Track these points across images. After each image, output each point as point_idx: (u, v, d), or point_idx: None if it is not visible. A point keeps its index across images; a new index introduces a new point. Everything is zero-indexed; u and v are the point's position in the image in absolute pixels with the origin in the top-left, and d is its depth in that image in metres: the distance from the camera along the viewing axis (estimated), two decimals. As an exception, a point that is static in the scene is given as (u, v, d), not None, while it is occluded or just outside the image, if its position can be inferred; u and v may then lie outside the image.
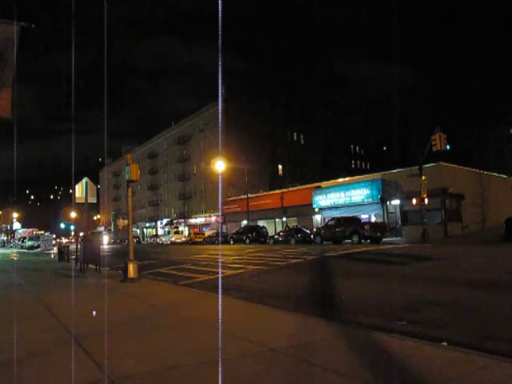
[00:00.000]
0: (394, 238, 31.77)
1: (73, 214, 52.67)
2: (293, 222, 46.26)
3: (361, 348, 4.70)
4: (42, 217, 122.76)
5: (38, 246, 55.50)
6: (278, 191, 51.43)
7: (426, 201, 29.17)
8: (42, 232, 68.44)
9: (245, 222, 49.83)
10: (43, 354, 4.85)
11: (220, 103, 55.41)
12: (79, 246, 18.29)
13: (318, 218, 43.25)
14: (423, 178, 28.76)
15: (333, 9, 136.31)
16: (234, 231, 46.83)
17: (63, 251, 23.46)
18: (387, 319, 6.28)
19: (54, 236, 59.30)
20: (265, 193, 54.45)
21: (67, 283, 12.31)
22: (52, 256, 31.40)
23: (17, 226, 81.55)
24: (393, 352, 4.45)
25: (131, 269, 11.93)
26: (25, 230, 76.27)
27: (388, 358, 4.29)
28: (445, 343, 4.81)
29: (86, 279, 13.38)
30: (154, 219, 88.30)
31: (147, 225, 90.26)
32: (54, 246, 45.26)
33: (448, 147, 28.21)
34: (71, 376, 3.84)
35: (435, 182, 31.59)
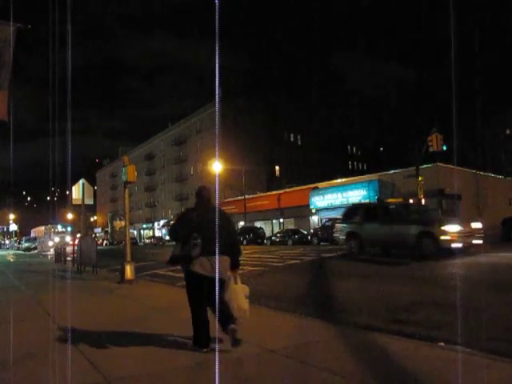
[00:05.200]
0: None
1: (69, 216, 52.57)
2: (290, 223, 46.29)
3: (358, 349, 4.70)
4: (39, 218, 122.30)
5: (35, 248, 55.32)
6: (274, 192, 51.42)
7: (423, 201, 29.20)
8: (63, 229, 65.84)
9: (242, 223, 49.80)
10: (40, 355, 4.84)
11: (217, 104, 55.32)
12: (76, 248, 18.25)
13: (315, 218, 43.25)
14: (420, 178, 28.77)
15: (331, 7, 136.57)
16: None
17: (60, 252, 23.39)
18: (384, 320, 6.29)
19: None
20: (262, 194, 54.43)
21: (64, 285, 12.28)
22: (49, 257, 31.31)
23: (13, 227, 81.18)
24: (390, 353, 4.45)
25: (128, 270, 11.91)
26: (41, 227, 73.75)
27: (385, 359, 4.29)
28: (442, 343, 4.82)
29: (83, 281, 13.34)
30: (151, 220, 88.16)
31: (144, 226, 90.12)
32: (51, 247, 45.12)
33: (444, 148, 28.25)
34: (68, 377, 3.83)
35: (432, 182, 31.63)
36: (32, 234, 76.76)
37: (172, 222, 5.02)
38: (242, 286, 4.92)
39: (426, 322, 6.12)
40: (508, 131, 61.24)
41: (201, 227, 4.69)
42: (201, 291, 4.74)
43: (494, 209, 37.02)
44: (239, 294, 4.84)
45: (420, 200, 28.46)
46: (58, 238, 54.75)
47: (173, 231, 5.04)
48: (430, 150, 27.91)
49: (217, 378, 3.61)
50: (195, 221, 4.76)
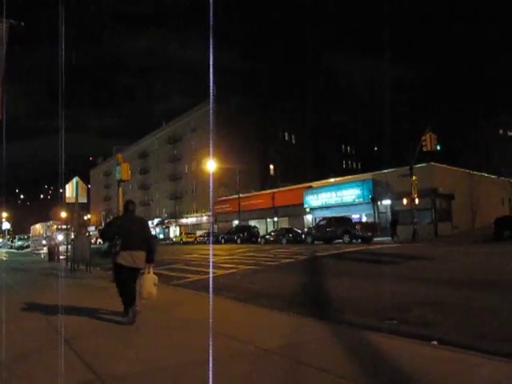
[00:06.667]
0: (384, 238, 31.92)
1: (63, 214, 51.95)
2: (284, 222, 46.33)
3: (352, 347, 4.71)
4: (32, 216, 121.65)
5: (28, 246, 55.01)
6: (269, 191, 51.39)
7: (417, 201, 29.31)
8: (66, 226, 62.07)
9: (236, 222, 49.76)
10: (33, 354, 4.81)
11: (211, 103, 55.30)
12: (69, 246, 18.18)
13: (309, 217, 43.29)
14: (414, 178, 28.88)
15: (326, 6, 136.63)
16: (225, 231, 46.76)
17: (53, 251, 23.30)
18: (378, 319, 6.31)
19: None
20: (256, 193, 54.38)
21: (57, 284, 12.23)
22: (42, 256, 31.19)
23: (6, 225, 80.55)
24: (383, 351, 4.47)
25: (122, 269, 11.84)
26: (40, 224, 70.75)
27: (379, 357, 4.30)
28: (435, 342, 4.84)
29: (76, 279, 13.29)
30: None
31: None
32: (44, 246, 44.83)
33: (438, 147, 28.37)
34: (61, 377, 3.81)
35: (426, 182, 31.73)
36: (31, 232, 74.69)
37: (102, 227, 6.74)
38: (152, 276, 6.48)
39: (419, 320, 6.14)
40: (501, 131, 61.53)
41: (124, 230, 6.32)
42: (123, 276, 6.33)
43: (486, 208, 37.22)
44: (149, 281, 6.41)
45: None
46: (61, 235, 52.05)
47: (102, 233, 6.95)
48: (424, 149, 28.03)
49: (210, 376, 3.61)
50: (119, 226, 6.48)
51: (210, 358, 4.00)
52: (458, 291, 8.40)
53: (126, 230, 6.34)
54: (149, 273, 6.44)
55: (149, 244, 6.55)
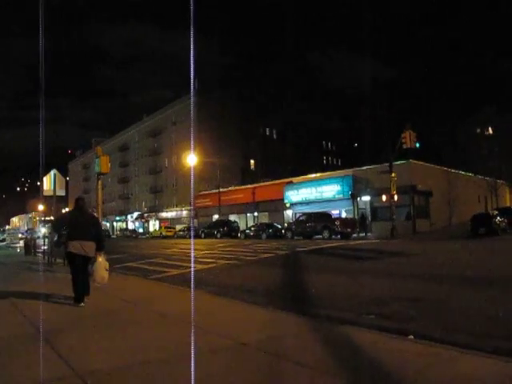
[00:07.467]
0: (362, 234, 32.25)
1: (40, 207, 51.02)
2: (264, 217, 46.42)
3: (331, 342, 4.75)
4: (8, 209, 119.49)
5: (4, 240, 53.95)
6: (249, 186, 51.36)
7: (396, 197, 29.66)
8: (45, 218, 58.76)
9: (216, 217, 49.65)
10: (9, 350, 4.74)
11: (192, 97, 54.98)
12: (46, 240, 17.91)
13: (289, 213, 43.45)
14: (393, 175, 29.20)
15: (307, 2, 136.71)
16: (205, 225, 46.65)
17: (30, 245, 22.92)
18: (356, 313, 6.37)
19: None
20: (237, 187, 54.31)
21: (34, 277, 12.05)
22: (18, 250, 30.68)
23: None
24: (362, 345, 4.52)
25: (100, 263, 11.73)
26: (25, 215, 66.75)
27: (357, 352, 4.35)
28: (412, 336, 4.92)
29: (54, 273, 13.10)
30: (124, 213, 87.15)
31: (117, 218, 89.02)
32: (20, 239, 44.05)
33: (417, 145, 28.74)
34: (38, 372, 3.76)
35: (405, 179, 32.09)
36: (9, 225, 72.46)
37: (55, 219, 8.25)
38: (103, 262, 7.47)
39: (396, 315, 6.23)
40: (478, 130, 62.67)
41: (74, 223, 7.27)
42: (75, 263, 7.23)
43: (463, 206, 37.86)
44: (101, 267, 7.39)
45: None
46: (44, 228, 50.06)
47: (54, 225, 8.12)
48: (404, 146, 28.37)
49: (192, 371, 3.60)
50: (69, 219, 7.53)
51: (191, 352, 4.00)
52: (436, 286, 8.54)
53: (76, 223, 7.26)
54: (100, 259, 7.37)
55: (98, 235, 7.46)
